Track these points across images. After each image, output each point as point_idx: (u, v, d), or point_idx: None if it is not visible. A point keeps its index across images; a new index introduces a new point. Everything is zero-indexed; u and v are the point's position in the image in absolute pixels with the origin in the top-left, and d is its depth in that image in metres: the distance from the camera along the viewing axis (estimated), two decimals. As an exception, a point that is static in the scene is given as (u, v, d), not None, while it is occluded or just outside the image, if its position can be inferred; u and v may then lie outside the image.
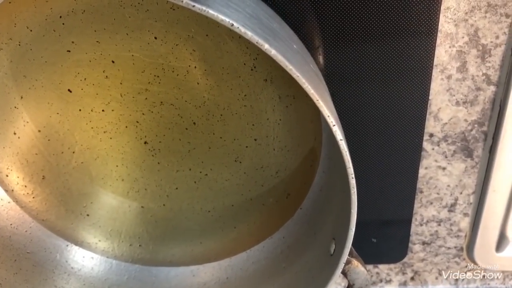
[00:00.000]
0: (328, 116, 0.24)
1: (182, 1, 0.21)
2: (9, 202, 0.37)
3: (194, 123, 0.36)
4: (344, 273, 0.31)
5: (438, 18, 0.33)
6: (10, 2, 0.30)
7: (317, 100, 0.23)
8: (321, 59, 0.35)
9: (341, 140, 0.25)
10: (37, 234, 0.38)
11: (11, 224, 0.37)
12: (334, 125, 0.24)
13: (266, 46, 0.22)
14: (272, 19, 0.27)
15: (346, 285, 0.32)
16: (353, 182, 0.26)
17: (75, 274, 0.39)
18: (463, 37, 0.35)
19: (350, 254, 0.31)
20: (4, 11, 0.30)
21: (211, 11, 0.21)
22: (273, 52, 0.22)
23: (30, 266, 0.37)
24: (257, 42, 0.22)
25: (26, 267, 0.37)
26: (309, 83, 0.23)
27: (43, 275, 0.38)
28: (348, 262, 0.30)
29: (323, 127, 0.33)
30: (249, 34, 0.22)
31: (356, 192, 0.26)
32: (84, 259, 0.40)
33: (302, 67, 0.24)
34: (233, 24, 0.21)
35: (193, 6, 0.21)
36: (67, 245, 0.39)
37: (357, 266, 0.30)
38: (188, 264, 0.41)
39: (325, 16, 0.33)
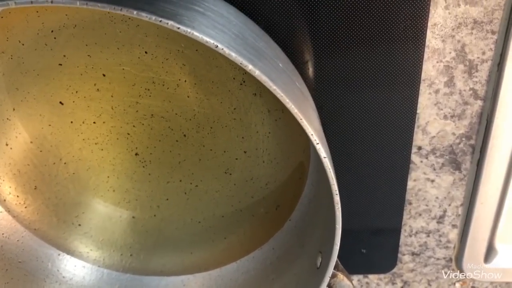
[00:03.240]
0: (312, 134, 0.24)
1: (168, 23, 0.21)
2: (1, 212, 0.38)
3: (185, 135, 0.36)
4: (330, 286, 0.31)
5: (425, 34, 0.34)
6: (2, 17, 0.30)
7: (301, 119, 0.24)
8: (310, 73, 0.35)
9: (324, 158, 0.25)
10: (29, 243, 0.39)
11: (3, 234, 0.38)
12: (318, 143, 0.25)
13: (250, 67, 0.22)
14: (258, 38, 0.27)
15: (333, 298, 0.33)
16: (337, 198, 0.26)
17: (66, 283, 0.40)
18: (450, 53, 0.36)
19: (336, 267, 0.31)
20: (-4, 26, 0.30)
21: (196, 33, 0.21)
22: (257, 73, 0.22)
23: (21, 275, 0.38)
24: (241, 63, 0.22)
25: (17, 276, 0.37)
26: (293, 102, 0.24)
27: (34, 284, 0.38)
28: (333, 276, 0.31)
29: (310, 142, 0.34)
30: (233, 55, 0.22)
31: (340, 208, 0.27)
32: (76, 268, 0.40)
33: (287, 86, 0.25)
34: (217, 46, 0.22)
35: (178, 28, 0.21)
36: (59, 254, 0.40)
37: (343, 279, 0.31)
38: (179, 274, 0.41)
39: (314, 32, 0.34)
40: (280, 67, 0.26)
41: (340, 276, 0.31)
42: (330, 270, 0.29)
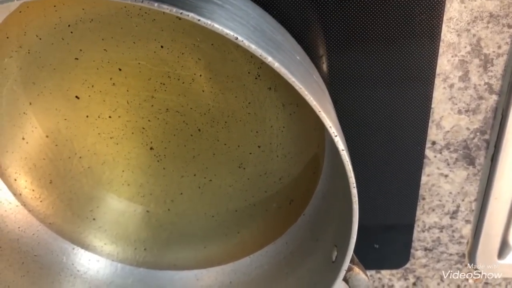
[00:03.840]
0: (330, 127, 0.24)
1: (188, 15, 0.21)
2: (17, 206, 0.38)
3: (199, 130, 0.36)
4: (345, 280, 0.31)
5: (441, 28, 0.34)
6: (20, 12, 0.30)
7: (319, 111, 0.24)
8: (325, 67, 0.35)
9: (342, 150, 0.25)
10: (44, 237, 0.39)
11: (19, 227, 0.38)
12: (336, 136, 0.25)
13: (269, 59, 0.22)
14: (276, 31, 0.27)
15: (348, 292, 0.33)
16: (354, 191, 0.26)
17: (81, 276, 0.40)
18: (465, 47, 0.36)
19: (352, 261, 0.31)
20: (15, 20, 0.31)
21: (216, 25, 0.21)
22: (276, 65, 0.22)
23: (37, 268, 0.38)
24: (260, 55, 0.22)
25: (33, 269, 0.38)
26: (312, 94, 0.24)
27: (50, 277, 0.39)
28: (349, 269, 0.31)
29: (326, 135, 0.34)
30: (253, 47, 0.22)
31: (357, 201, 0.27)
32: (90, 262, 0.40)
33: (304, 78, 0.25)
34: (237, 38, 0.22)
35: (199, 20, 0.21)
36: (74, 248, 0.40)
37: (358, 273, 0.31)
38: (192, 268, 0.41)
39: (329, 26, 0.34)
40: (298, 60, 0.26)
41: (356, 269, 0.31)
42: (347, 263, 0.29)
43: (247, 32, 0.23)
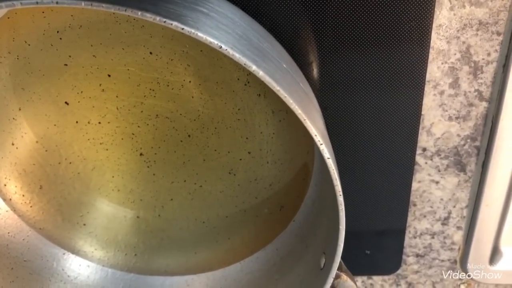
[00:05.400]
0: (315, 135, 0.24)
1: (172, 24, 0.21)
2: (7, 211, 0.38)
3: (189, 136, 0.36)
4: (333, 287, 0.31)
5: (430, 35, 0.34)
6: (8, 17, 0.30)
7: (305, 119, 0.24)
8: (314, 74, 0.35)
9: (328, 158, 0.25)
10: (34, 242, 0.39)
11: (8, 233, 0.38)
12: (322, 144, 0.25)
13: (253, 68, 0.22)
14: (263, 39, 0.27)
15: (336, 299, 0.33)
16: (340, 199, 0.26)
17: (71, 282, 0.40)
18: (455, 54, 0.36)
19: (340, 268, 0.31)
20: (3, 26, 0.31)
21: (200, 34, 0.21)
22: (260, 73, 0.22)
23: (27, 274, 0.38)
24: (245, 64, 0.22)
25: (23, 275, 0.38)
26: (297, 102, 0.24)
27: (39, 283, 0.38)
28: (337, 277, 0.31)
29: (315, 143, 0.34)
30: (237, 56, 0.22)
31: (344, 209, 0.27)
32: (80, 268, 0.40)
33: (290, 87, 0.25)
34: (221, 47, 0.22)
35: (182, 28, 0.21)
36: (64, 254, 0.40)
37: (346, 280, 0.31)
38: (183, 274, 0.41)
39: (318, 33, 0.34)
40: (284, 68, 0.26)
41: (344, 276, 0.31)
42: (334, 270, 0.29)
43: (232, 40, 0.23)
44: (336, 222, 0.28)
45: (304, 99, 0.26)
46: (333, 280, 0.30)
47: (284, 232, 0.39)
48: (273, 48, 0.27)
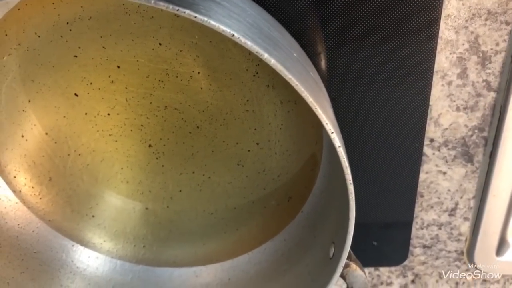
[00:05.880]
0: (327, 123, 0.25)
1: (185, 12, 0.21)
2: (16, 203, 0.38)
3: (198, 127, 0.36)
4: (343, 276, 0.31)
5: (439, 25, 0.34)
6: (19, 9, 0.30)
7: (316, 108, 0.24)
8: (322, 65, 0.35)
9: (339, 147, 0.25)
10: (43, 234, 0.39)
11: (18, 224, 0.38)
12: (333, 133, 0.25)
13: (265, 56, 0.22)
14: (273, 28, 0.27)
15: (346, 288, 0.33)
16: (351, 188, 0.27)
17: (80, 273, 0.40)
18: (463, 44, 0.36)
19: (349, 257, 0.31)
20: (13, 18, 0.31)
21: (212, 22, 0.22)
22: (272, 62, 0.23)
23: (37, 265, 0.38)
24: (257, 52, 0.22)
25: (33, 266, 0.38)
26: (308, 91, 0.24)
27: (49, 274, 0.39)
28: (346, 266, 0.31)
29: (324, 133, 0.34)
30: (249, 44, 0.22)
31: (354, 198, 0.27)
32: (89, 259, 0.41)
33: (301, 76, 0.25)
34: (233, 35, 0.22)
35: (195, 17, 0.21)
36: (73, 245, 0.40)
37: (356, 269, 0.31)
38: (191, 265, 0.41)
39: (326, 24, 0.34)
40: (295, 57, 0.26)
41: (353, 266, 0.31)
42: (343, 260, 0.30)
43: (243, 29, 0.23)
44: (346, 212, 0.28)
45: (315, 88, 0.26)
46: (342, 269, 0.30)
47: (292, 223, 0.39)
48: (283, 37, 0.28)
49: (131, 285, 0.41)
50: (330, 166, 0.35)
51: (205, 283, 0.41)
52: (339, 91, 0.37)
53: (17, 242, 0.38)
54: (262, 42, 0.23)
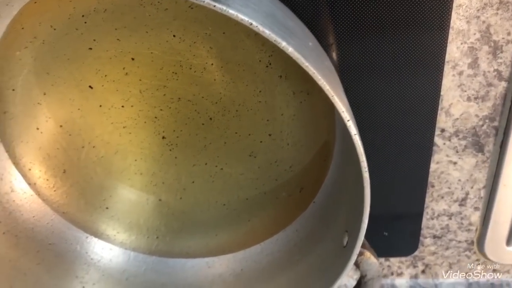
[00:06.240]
0: (343, 111, 0.25)
1: (204, 1, 0.21)
2: (31, 195, 0.38)
3: (211, 119, 0.37)
4: (356, 264, 0.31)
5: (450, 15, 0.34)
6: (35, 2, 0.31)
7: (332, 96, 0.24)
8: (334, 55, 0.36)
9: (355, 134, 0.25)
10: (58, 226, 0.40)
11: (33, 216, 0.38)
12: (349, 120, 0.25)
13: (283, 44, 0.23)
14: (288, 18, 0.27)
15: (359, 277, 0.33)
16: (366, 175, 0.27)
17: (94, 265, 0.40)
18: (474, 34, 0.36)
19: (363, 246, 0.31)
20: (30, 11, 0.31)
21: (231, 11, 0.22)
22: (290, 50, 0.23)
23: (52, 257, 0.39)
24: (274, 40, 0.23)
25: (48, 258, 0.38)
26: (325, 79, 0.24)
27: (64, 265, 0.39)
28: (360, 254, 0.31)
29: (337, 122, 0.34)
30: (267, 33, 0.22)
31: (369, 186, 0.27)
32: (103, 251, 0.41)
33: (317, 64, 0.25)
34: (251, 23, 0.22)
35: (214, 6, 0.22)
36: (87, 237, 0.41)
37: (369, 257, 0.31)
38: (204, 256, 0.42)
39: (338, 14, 0.34)
40: (310, 46, 0.26)
41: (367, 253, 0.31)
42: (358, 247, 0.30)
43: (260, 18, 0.23)
44: (360, 200, 0.29)
45: (330, 76, 0.27)
46: (356, 258, 0.31)
47: (304, 213, 0.39)
48: (297, 27, 0.28)
49: (145, 276, 0.41)
50: (343, 155, 0.35)
51: (217, 274, 0.41)
52: (350, 82, 0.37)
53: (33, 234, 0.38)
54: (279, 30, 0.23)
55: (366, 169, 0.27)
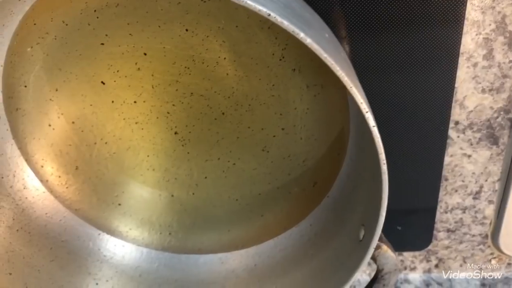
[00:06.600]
0: (361, 102, 0.25)
1: (221, -7, 0.21)
2: (44, 192, 0.38)
3: (223, 114, 0.36)
4: (373, 258, 0.31)
5: (465, 6, 0.34)
6: (47, -3, 0.31)
7: (351, 87, 0.24)
8: (348, 48, 0.35)
9: (374, 126, 0.25)
10: (70, 223, 0.40)
11: (46, 213, 0.38)
12: (367, 112, 0.25)
13: (301, 35, 0.22)
14: (304, 9, 0.27)
15: (375, 271, 0.33)
16: (384, 168, 0.27)
17: (107, 261, 0.40)
18: (490, 25, 0.35)
19: (380, 239, 0.31)
20: (42, 7, 0.31)
21: (249, 2, 0.22)
22: (308, 41, 0.23)
23: (65, 254, 0.39)
24: (293, 31, 0.22)
25: (61, 254, 0.38)
26: (343, 71, 0.24)
27: (77, 262, 0.39)
28: (377, 248, 0.31)
29: (352, 115, 0.34)
30: (285, 24, 0.22)
31: (387, 179, 0.27)
32: (116, 247, 0.41)
33: (335, 56, 0.25)
34: (270, 14, 0.22)
35: (232, -3, 0.21)
36: (99, 234, 0.41)
37: (387, 251, 0.31)
38: (217, 252, 0.41)
39: (351, 6, 0.34)
40: (327, 37, 0.26)
41: (384, 247, 0.31)
42: (375, 241, 0.29)
43: (278, 9, 0.23)
44: (377, 193, 0.28)
45: (347, 68, 0.26)
46: (373, 251, 0.30)
47: (318, 208, 0.39)
48: (313, 18, 0.27)
49: (158, 273, 0.41)
50: (357, 149, 0.35)
51: (231, 269, 0.41)
52: (364, 75, 0.36)
53: (46, 231, 0.38)
54: (297, 21, 0.23)
55: (385, 161, 0.26)
